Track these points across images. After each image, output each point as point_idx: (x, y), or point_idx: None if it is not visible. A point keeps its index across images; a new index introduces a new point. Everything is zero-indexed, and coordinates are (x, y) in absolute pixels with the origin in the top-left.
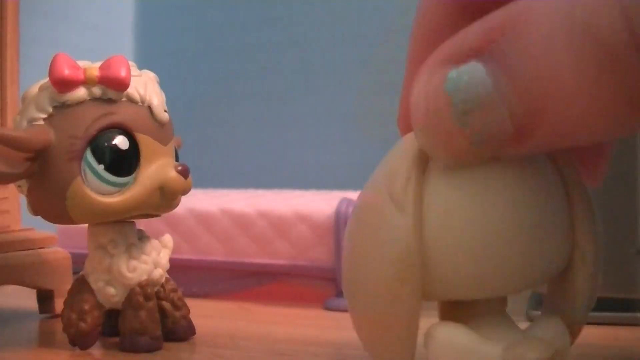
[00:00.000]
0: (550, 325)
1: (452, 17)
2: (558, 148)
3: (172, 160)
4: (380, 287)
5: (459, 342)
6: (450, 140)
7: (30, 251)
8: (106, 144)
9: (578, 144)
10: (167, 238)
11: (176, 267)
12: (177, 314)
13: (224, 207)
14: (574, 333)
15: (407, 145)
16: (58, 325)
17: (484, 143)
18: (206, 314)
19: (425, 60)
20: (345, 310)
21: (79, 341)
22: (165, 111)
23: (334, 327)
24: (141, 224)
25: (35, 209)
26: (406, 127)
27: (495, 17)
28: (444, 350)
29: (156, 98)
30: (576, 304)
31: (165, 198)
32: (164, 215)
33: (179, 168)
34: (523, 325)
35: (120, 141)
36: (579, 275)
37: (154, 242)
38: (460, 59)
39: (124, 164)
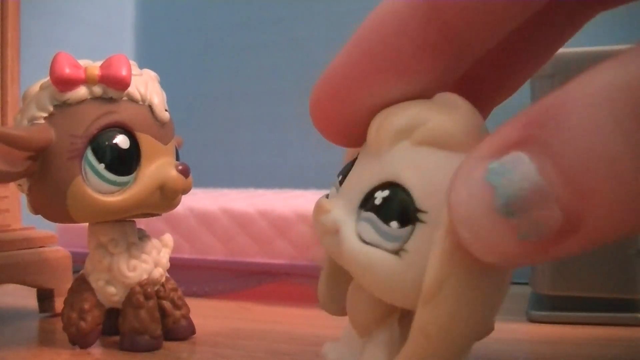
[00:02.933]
0: None
1: (419, 30)
2: (608, 241)
3: (172, 160)
4: None
5: None
6: (494, 234)
7: (30, 250)
8: (107, 143)
9: (633, 233)
10: (168, 237)
11: (176, 266)
12: (178, 313)
13: (224, 206)
14: None
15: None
16: (58, 324)
17: (531, 234)
18: (206, 314)
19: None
20: None
21: (79, 340)
22: (165, 110)
23: (334, 327)
24: (141, 223)
25: (36, 208)
26: (320, 113)
27: (532, 112)
28: None
29: (157, 97)
30: None
31: (165, 197)
32: (165, 214)
33: (180, 167)
34: (523, 325)
35: (121, 140)
36: None
37: (155, 241)
38: (500, 152)
39: (124, 163)
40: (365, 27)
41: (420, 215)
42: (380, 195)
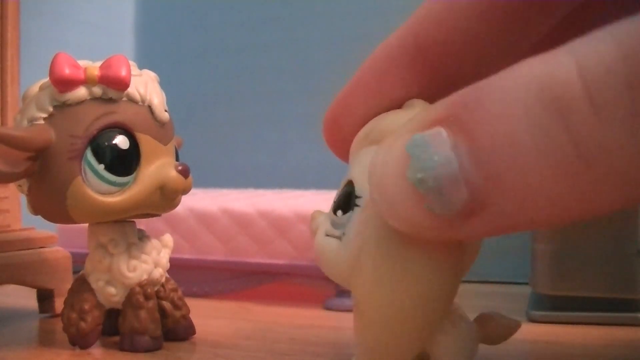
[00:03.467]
0: None
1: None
2: (513, 229)
3: (172, 160)
4: None
5: None
6: (401, 200)
7: (30, 250)
8: (106, 143)
9: (536, 224)
10: (168, 237)
11: (176, 266)
12: (177, 313)
13: (224, 206)
14: None
15: None
16: (58, 324)
17: (436, 207)
18: (206, 314)
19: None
20: (345, 310)
21: (79, 341)
22: (165, 111)
23: (334, 327)
24: (141, 223)
25: (36, 209)
26: (332, 134)
27: (462, 92)
28: None
29: (156, 97)
30: None
31: (165, 197)
32: (164, 214)
33: (179, 167)
34: (523, 325)
35: (121, 141)
36: None
37: (154, 242)
38: (425, 127)
39: (124, 163)
40: (365, 62)
41: (357, 201)
42: (338, 194)
